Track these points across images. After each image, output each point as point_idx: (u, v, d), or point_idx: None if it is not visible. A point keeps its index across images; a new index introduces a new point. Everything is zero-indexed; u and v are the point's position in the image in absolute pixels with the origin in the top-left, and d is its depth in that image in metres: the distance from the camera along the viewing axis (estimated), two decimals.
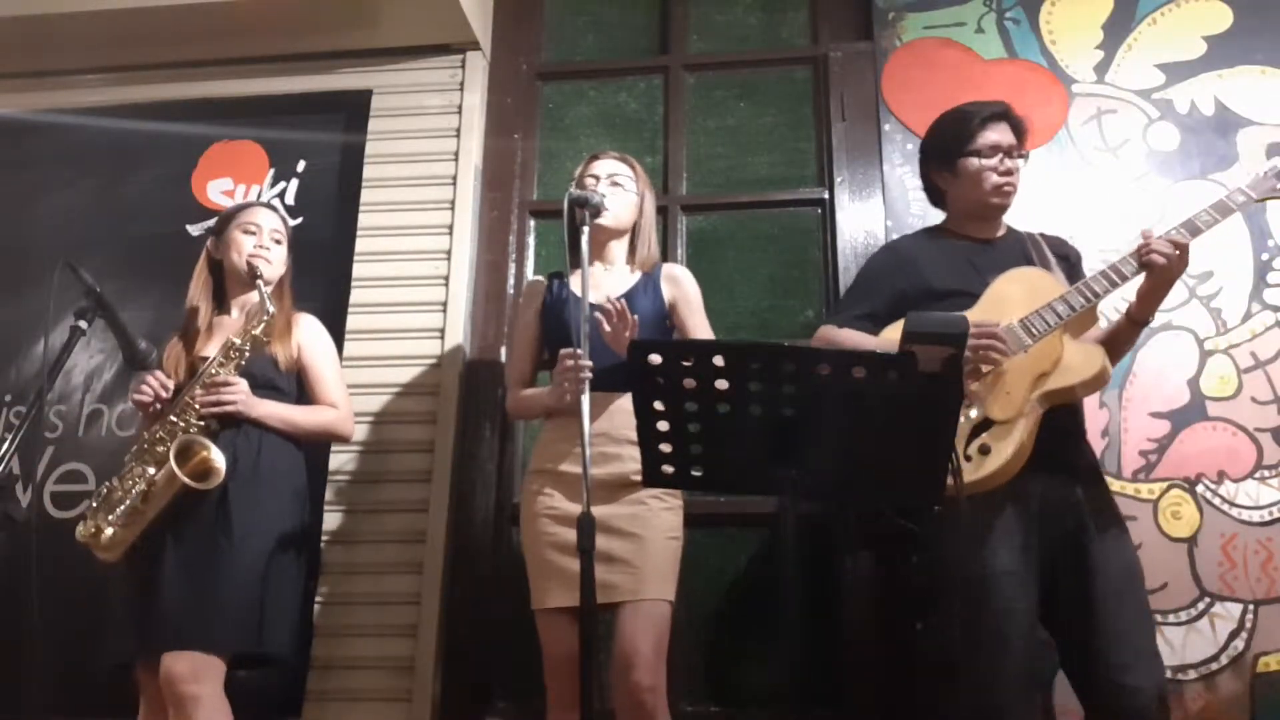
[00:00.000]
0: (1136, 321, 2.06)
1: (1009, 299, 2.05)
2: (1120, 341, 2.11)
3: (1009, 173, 2.16)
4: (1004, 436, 1.93)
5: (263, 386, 2.27)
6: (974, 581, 1.91)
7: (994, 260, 2.14)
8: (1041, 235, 2.23)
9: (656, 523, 2.08)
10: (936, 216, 2.40)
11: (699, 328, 2.30)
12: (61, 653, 2.41)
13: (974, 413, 1.96)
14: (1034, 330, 2.00)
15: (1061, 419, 2.00)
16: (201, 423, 2.19)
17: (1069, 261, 2.18)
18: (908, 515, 2.10)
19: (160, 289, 2.88)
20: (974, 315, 2.03)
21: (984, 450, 1.93)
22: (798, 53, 3.10)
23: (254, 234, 2.39)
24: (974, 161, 2.16)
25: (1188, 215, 2.02)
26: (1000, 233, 2.24)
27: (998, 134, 2.18)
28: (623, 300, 2.11)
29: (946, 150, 2.21)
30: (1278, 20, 2.80)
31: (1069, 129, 2.80)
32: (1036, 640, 1.97)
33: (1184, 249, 1.97)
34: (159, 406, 2.21)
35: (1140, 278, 2.01)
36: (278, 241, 2.42)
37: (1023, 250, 2.17)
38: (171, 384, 2.23)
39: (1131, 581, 1.97)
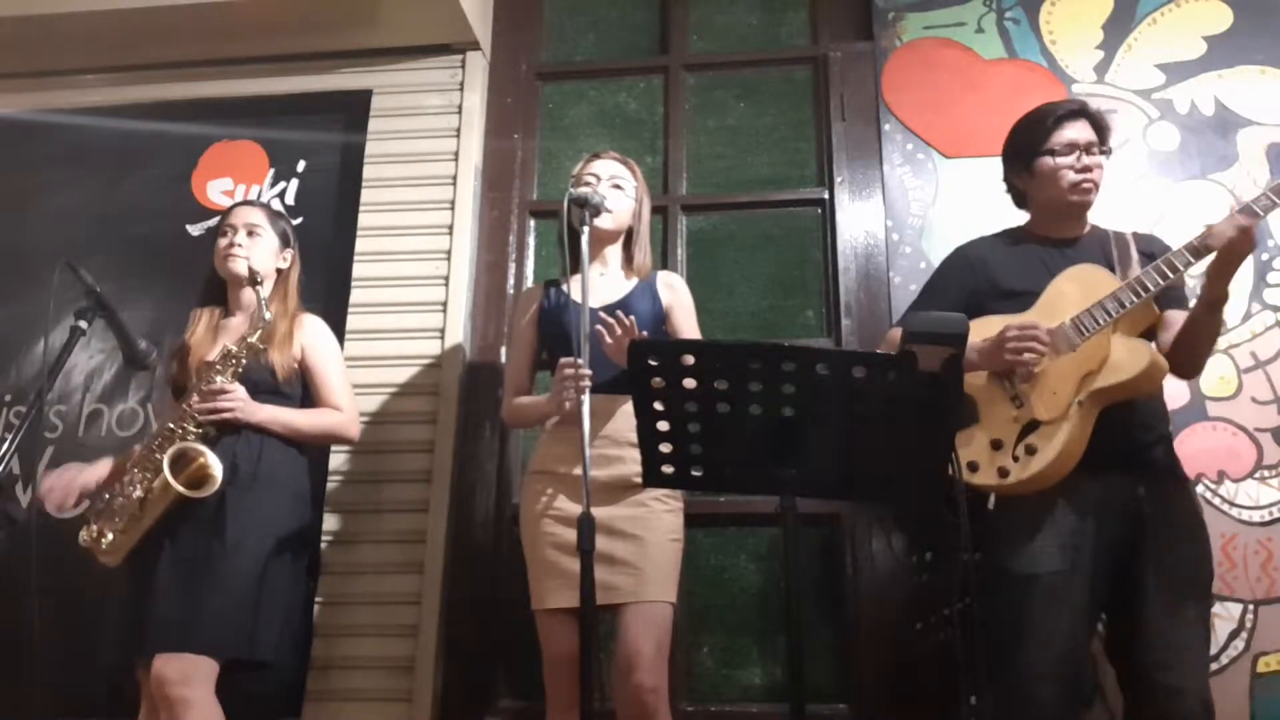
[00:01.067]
0: (1210, 302, 1.95)
1: (1065, 298, 2.02)
2: (1201, 328, 2.00)
3: (1087, 169, 2.11)
4: (1050, 437, 1.92)
5: (264, 392, 2.26)
6: (1018, 579, 1.90)
7: (1070, 260, 2.09)
8: (1133, 234, 2.16)
9: (658, 524, 2.08)
10: (937, 217, 2.41)
11: (691, 333, 2.31)
12: (61, 653, 2.40)
13: (1022, 413, 1.95)
14: (1084, 329, 1.97)
15: (1127, 417, 1.96)
16: (199, 430, 2.19)
17: (1155, 258, 2.05)
18: (957, 512, 2.08)
19: (160, 289, 2.88)
20: (1030, 315, 2.03)
21: (1030, 450, 1.92)
22: (798, 53, 3.10)
23: (227, 234, 2.39)
24: (1049, 160, 2.13)
25: (1248, 199, 1.95)
26: (1083, 231, 2.18)
27: (1074, 131, 2.13)
28: (632, 318, 2.08)
29: (1023, 151, 2.18)
30: (1278, 20, 2.80)
31: None
32: (1082, 646, 1.95)
33: (1250, 229, 1.88)
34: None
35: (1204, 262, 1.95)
36: (254, 234, 2.38)
37: (1103, 249, 2.12)
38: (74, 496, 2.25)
39: (1190, 584, 1.93)
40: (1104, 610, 2.00)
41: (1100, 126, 2.16)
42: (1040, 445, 1.92)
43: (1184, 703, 1.85)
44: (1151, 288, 1.95)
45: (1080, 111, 2.16)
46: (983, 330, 1.98)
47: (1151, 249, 2.12)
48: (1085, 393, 1.93)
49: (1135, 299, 1.95)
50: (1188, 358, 2.02)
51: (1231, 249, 1.88)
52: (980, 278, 2.14)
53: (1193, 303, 2.05)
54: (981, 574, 1.94)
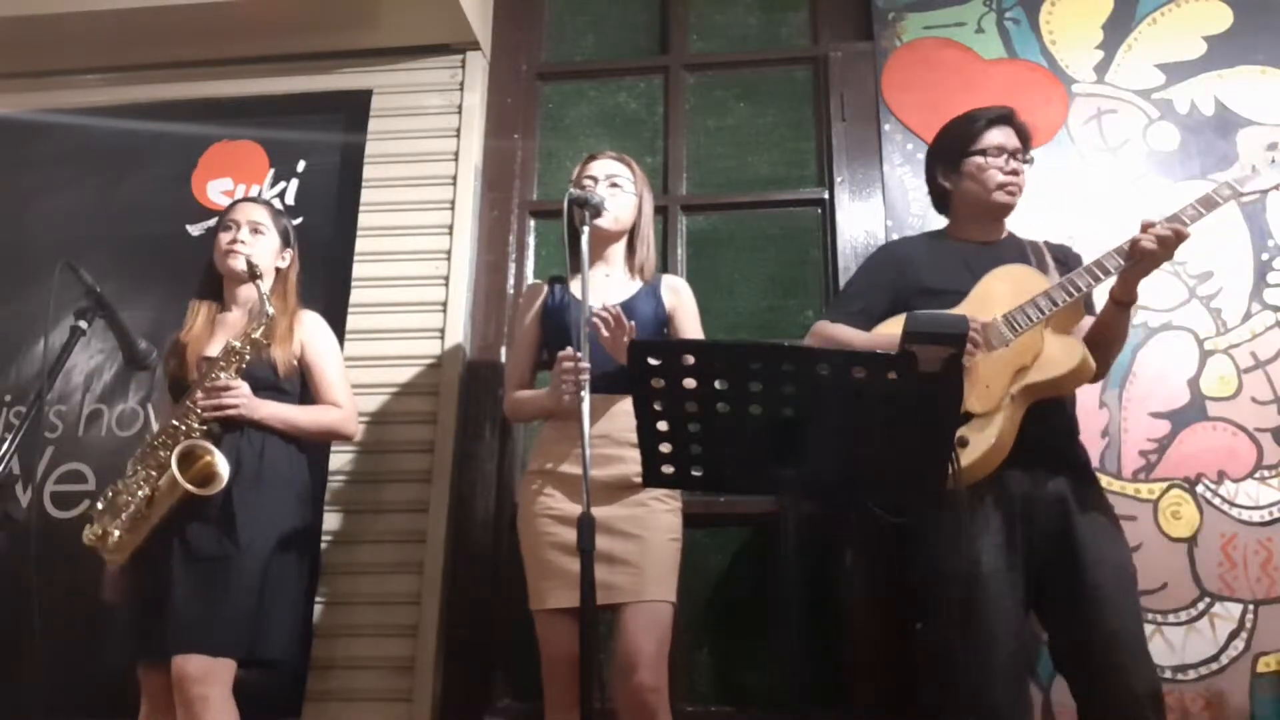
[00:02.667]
0: (1120, 302, 2.05)
1: (995, 295, 2.07)
2: (1112, 327, 2.10)
3: (1014, 173, 2.19)
4: (981, 429, 1.95)
5: (265, 388, 2.26)
6: (960, 578, 1.91)
7: (991, 262, 2.15)
8: (1045, 243, 2.24)
9: (657, 524, 2.09)
10: (935, 218, 2.41)
11: (694, 336, 2.30)
12: (62, 653, 2.40)
13: None
14: (1016, 325, 2.01)
15: (1050, 415, 2.01)
16: (204, 427, 2.19)
17: (1068, 267, 2.17)
18: (899, 512, 2.09)
19: (160, 289, 2.88)
20: (958, 311, 2.05)
21: (962, 443, 1.95)
22: (798, 53, 3.10)
23: (230, 229, 2.38)
24: (978, 160, 2.19)
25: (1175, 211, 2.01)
26: (1001, 236, 2.26)
27: (1003, 136, 2.21)
28: (618, 307, 2.10)
29: (951, 151, 2.24)
30: (1278, 20, 2.80)
31: (1069, 129, 2.80)
32: (1025, 632, 1.97)
33: (1176, 237, 1.95)
34: None
35: None
36: (258, 232, 2.38)
37: (1021, 253, 2.18)
38: None
39: (1125, 582, 1.97)
40: (1042, 615, 2.01)
41: (1025, 135, 2.24)
42: (972, 437, 1.95)
43: (1139, 701, 1.86)
44: (1084, 288, 2.01)
45: (1008, 118, 2.23)
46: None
47: (1065, 258, 2.21)
48: (1017, 386, 1.97)
49: (1068, 298, 2.00)
50: (1097, 357, 2.05)
51: (1147, 256, 1.95)
52: (907, 276, 2.19)
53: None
54: (923, 572, 2.00)
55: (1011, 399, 1.96)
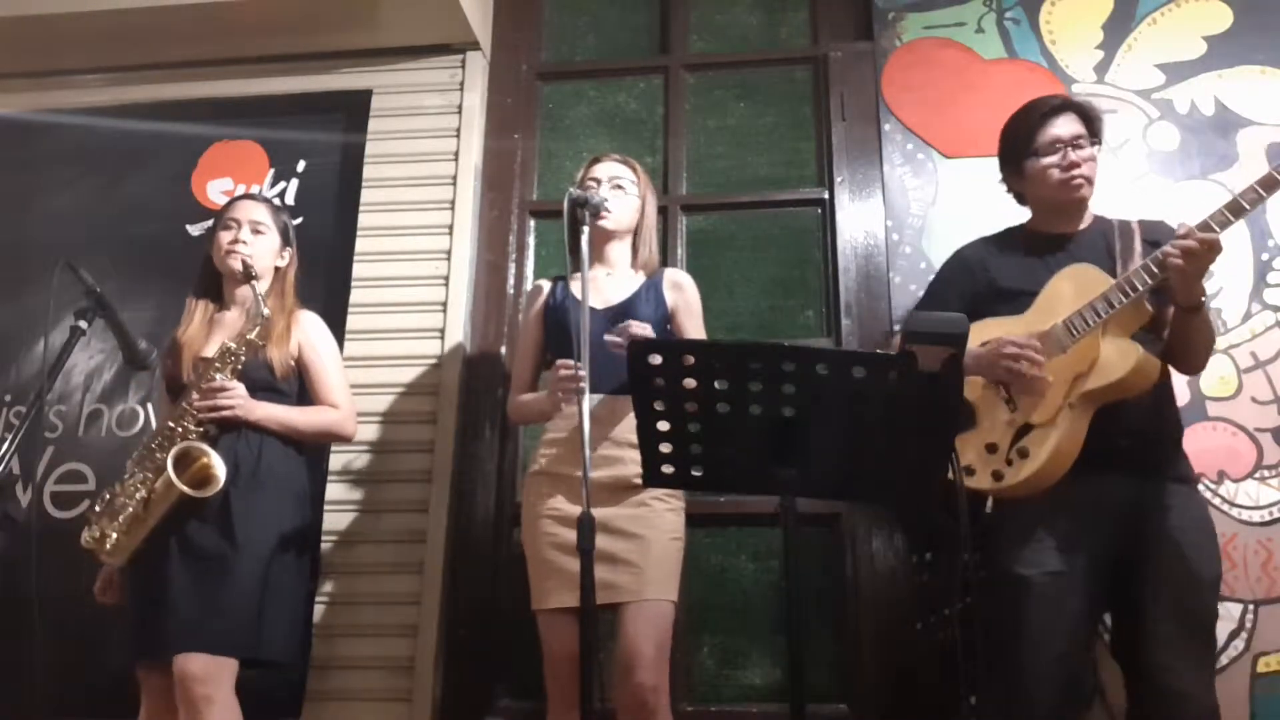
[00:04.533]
0: (1184, 308, 1.95)
1: (1061, 297, 2.01)
2: (1185, 333, 2.00)
3: (1075, 164, 2.08)
4: (1042, 440, 1.92)
5: (261, 389, 2.26)
6: (1017, 580, 1.90)
7: (1070, 256, 2.08)
8: (1139, 222, 2.13)
9: (659, 523, 2.08)
10: (937, 217, 2.41)
11: (696, 334, 2.30)
12: (62, 652, 2.40)
13: (1016, 416, 1.95)
14: (1075, 330, 1.96)
15: (1127, 416, 1.95)
16: (200, 428, 2.19)
17: (1159, 246, 1.99)
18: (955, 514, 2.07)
19: (160, 289, 2.88)
20: (1028, 317, 2.03)
21: (1023, 454, 1.92)
22: (798, 53, 3.10)
23: (232, 228, 2.36)
24: (1035, 162, 2.12)
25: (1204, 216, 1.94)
26: (1084, 224, 2.16)
27: (1059, 128, 2.11)
28: (633, 323, 2.09)
29: (1012, 154, 2.18)
30: (1278, 20, 2.80)
31: None
32: (1080, 648, 1.95)
33: (1205, 246, 1.86)
34: None
35: None
36: (258, 232, 2.37)
37: (1106, 240, 2.10)
38: None
39: (1194, 587, 1.92)
40: (1109, 610, 2.00)
41: (1088, 118, 2.14)
42: (1033, 449, 1.92)
43: (1188, 708, 1.85)
44: (1140, 287, 1.93)
45: (1065, 105, 2.15)
46: (981, 334, 1.98)
47: (1157, 236, 2.06)
48: (1075, 395, 1.93)
49: (1124, 299, 1.93)
50: (1182, 357, 2.02)
51: (1174, 272, 1.87)
52: (979, 280, 2.14)
53: None
54: (980, 575, 1.94)
55: (1070, 407, 1.92)
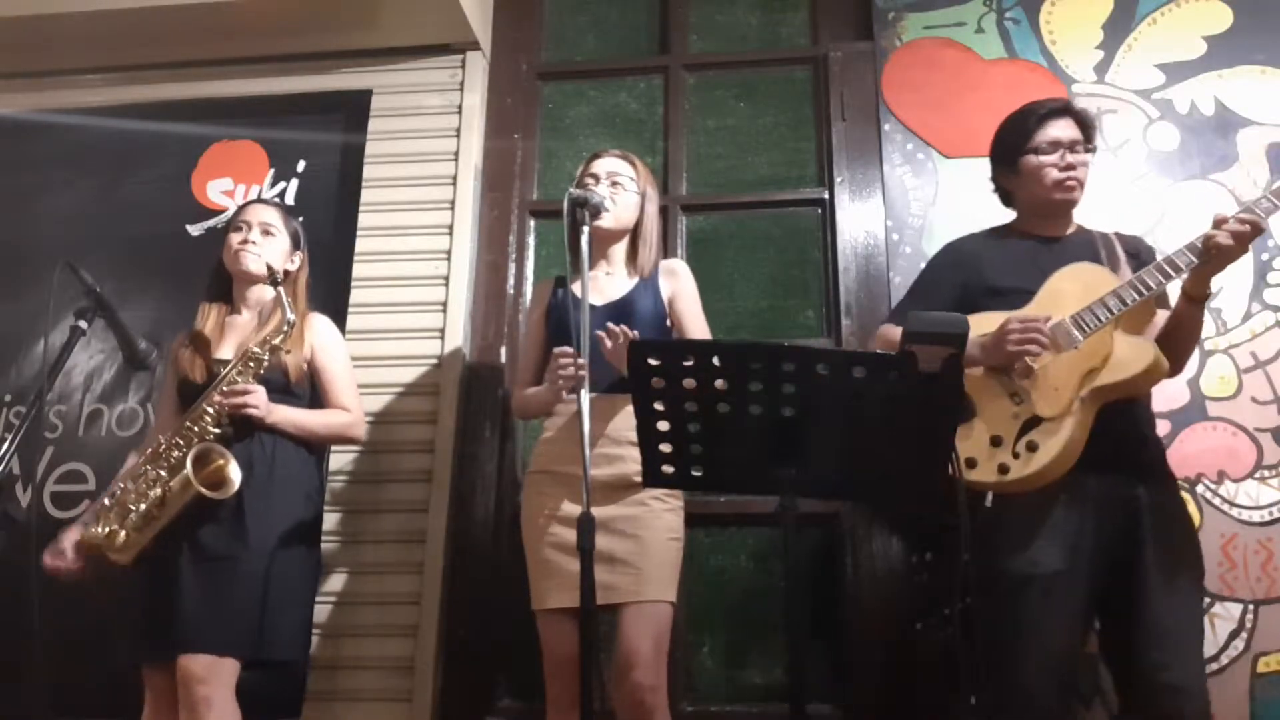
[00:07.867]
0: (1193, 298, 1.97)
1: (1064, 295, 2.02)
2: (1186, 325, 2.02)
3: (1071, 167, 2.11)
4: (1052, 434, 1.91)
5: (276, 392, 2.26)
6: (1018, 579, 1.90)
7: (1059, 258, 2.09)
8: (1116, 234, 2.17)
9: (658, 523, 2.08)
10: (937, 217, 2.41)
11: (695, 318, 2.28)
12: (62, 653, 2.40)
13: (1023, 409, 1.95)
14: (1085, 326, 1.96)
15: (1122, 416, 1.97)
16: (217, 429, 2.19)
17: (1140, 260, 2.09)
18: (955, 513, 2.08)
19: (160, 289, 2.88)
20: (1027, 311, 2.02)
21: (1031, 447, 1.92)
22: (798, 53, 3.10)
23: (242, 230, 2.37)
24: (1033, 159, 2.13)
25: (1249, 201, 1.96)
26: (1069, 230, 2.18)
27: (1058, 130, 2.13)
28: (633, 332, 2.08)
29: (1007, 150, 2.18)
30: (1278, 20, 2.80)
31: None
32: (1079, 646, 1.96)
33: (1254, 231, 1.88)
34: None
35: None
36: (269, 234, 2.37)
37: (1091, 248, 2.12)
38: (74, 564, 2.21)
39: (1189, 583, 1.94)
40: (1099, 610, 2.00)
41: (1085, 124, 2.16)
42: (1043, 441, 1.92)
43: (1186, 701, 1.85)
44: (1155, 286, 1.94)
45: (1064, 109, 2.17)
46: (978, 327, 1.99)
47: (1137, 249, 2.13)
48: (1087, 389, 1.93)
49: (1138, 297, 1.94)
50: (1172, 354, 2.02)
51: (1222, 252, 1.89)
52: (971, 274, 2.14)
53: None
54: (980, 573, 1.94)
55: (1081, 402, 1.92)
